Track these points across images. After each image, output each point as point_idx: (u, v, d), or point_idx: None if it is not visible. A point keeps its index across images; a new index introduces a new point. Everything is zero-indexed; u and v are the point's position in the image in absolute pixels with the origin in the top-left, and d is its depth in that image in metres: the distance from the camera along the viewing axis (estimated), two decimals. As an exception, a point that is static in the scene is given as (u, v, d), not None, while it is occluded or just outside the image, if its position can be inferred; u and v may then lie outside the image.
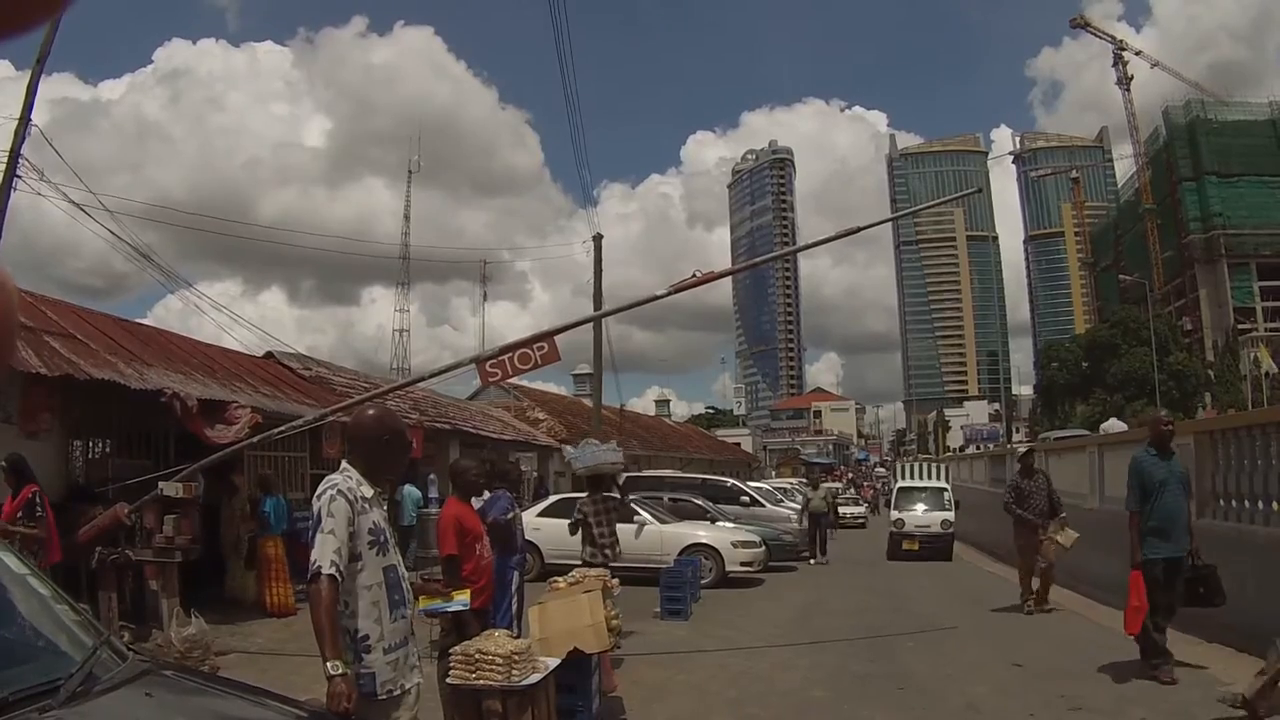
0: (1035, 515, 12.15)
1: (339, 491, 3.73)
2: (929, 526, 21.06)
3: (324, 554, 3.61)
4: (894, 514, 22.11)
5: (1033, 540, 12.09)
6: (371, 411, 4.26)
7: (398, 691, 3.73)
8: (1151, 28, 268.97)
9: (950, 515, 21.28)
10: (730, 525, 17.80)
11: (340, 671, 3.45)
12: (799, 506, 22.83)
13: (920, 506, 21.79)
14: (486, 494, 7.80)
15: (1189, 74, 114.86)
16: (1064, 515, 12.19)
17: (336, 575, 3.59)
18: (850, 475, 65.81)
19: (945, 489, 22.87)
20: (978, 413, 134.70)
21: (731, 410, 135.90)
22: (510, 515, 7.71)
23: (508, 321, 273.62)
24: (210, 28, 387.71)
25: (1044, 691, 7.56)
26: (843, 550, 22.99)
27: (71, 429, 12.01)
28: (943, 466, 28.78)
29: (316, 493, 3.88)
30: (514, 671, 5.07)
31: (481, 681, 5.07)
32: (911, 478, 26.32)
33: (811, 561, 20.51)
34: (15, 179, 11.64)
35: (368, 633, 3.68)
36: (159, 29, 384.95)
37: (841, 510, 32.28)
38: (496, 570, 7.81)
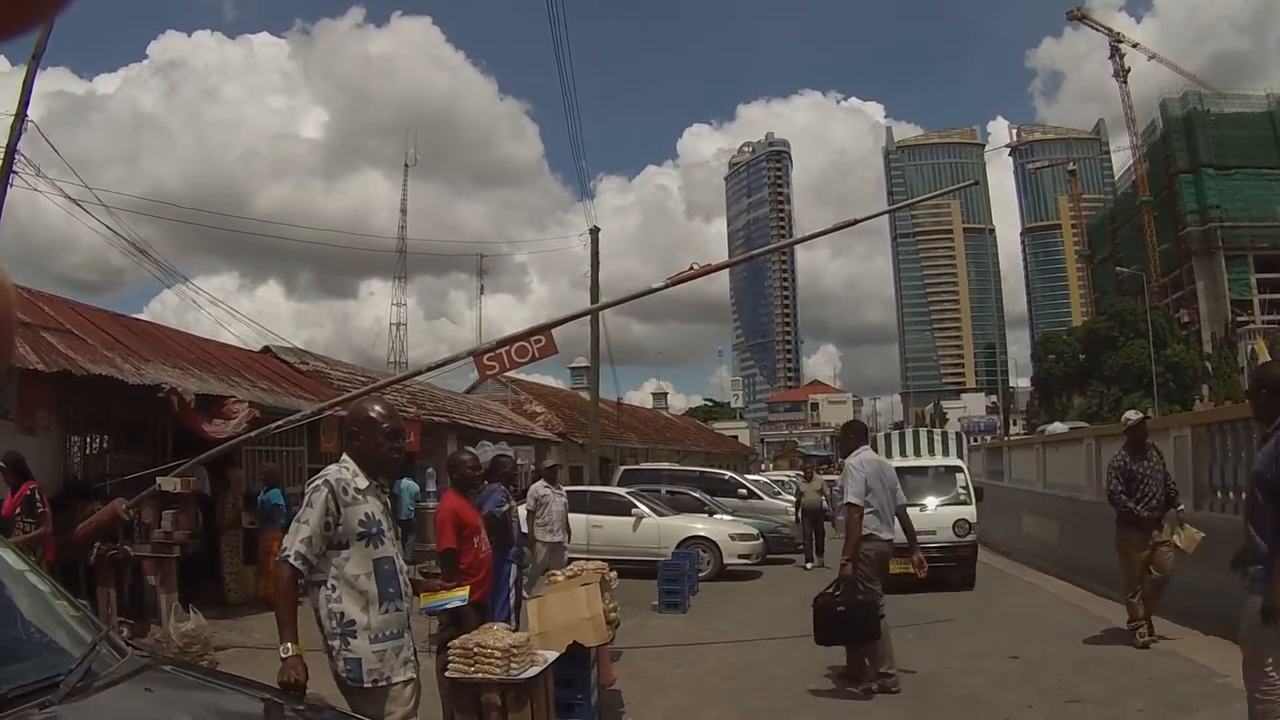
0: (1150, 509, 8.92)
1: (325, 482, 3.83)
2: (934, 534, 13.02)
3: (292, 541, 3.76)
4: (871, 514, 14.73)
5: (1143, 544, 8.89)
6: (365, 405, 4.29)
7: (384, 683, 3.77)
8: (1152, 18, 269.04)
9: (969, 512, 13.89)
10: (728, 518, 17.82)
11: (291, 653, 3.57)
12: (793, 500, 20.66)
13: (918, 500, 13.81)
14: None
15: (1190, 65, 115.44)
16: (1182, 508, 9.16)
17: (298, 565, 3.72)
18: None
19: (958, 469, 15.11)
20: (975, 405, 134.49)
21: (729, 403, 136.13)
22: (505, 509, 7.73)
23: (505, 314, 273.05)
24: (205, 20, 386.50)
25: (1042, 683, 7.58)
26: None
27: (69, 425, 11.99)
28: (950, 436, 18.15)
29: (308, 480, 3.97)
30: (512, 665, 5.07)
31: (480, 675, 5.08)
32: (901, 454, 16.85)
33: (808, 565, 17.75)
34: (12, 174, 11.61)
35: (353, 619, 3.76)
36: (154, 22, 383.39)
37: None
38: (493, 564, 7.85)
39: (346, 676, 3.74)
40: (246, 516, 12.91)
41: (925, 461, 16.40)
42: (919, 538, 11.62)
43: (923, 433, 18.54)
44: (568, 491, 15.69)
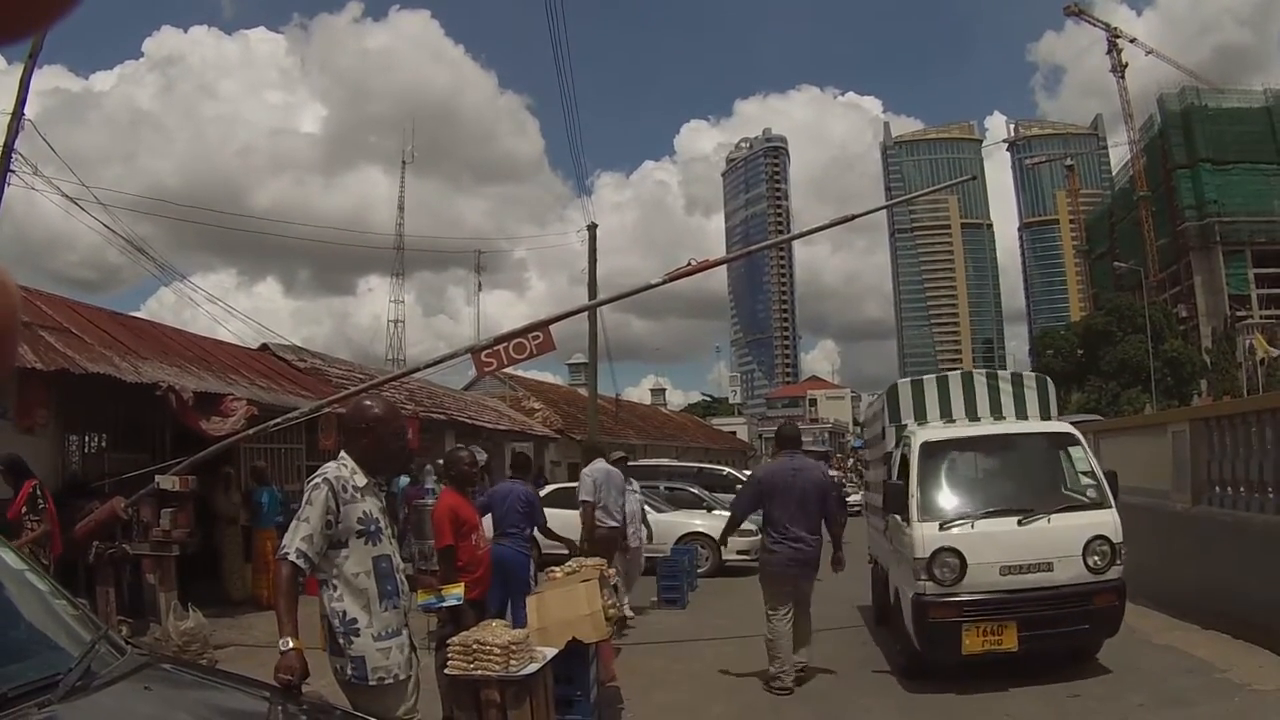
0: None
1: (325, 480, 3.82)
2: (1048, 568, 7.38)
3: (292, 540, 3.75)
4: (915, 530, 7.62)
5: None
6: (367, 403, 4.29)
7: (390, 680, 3.78)
8: (1153, 11, 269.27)
9: (1109, 523, 7.54)
10: (726, 514, 17.79)
11: (290, 647, 3.54)
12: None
13: (1002, 497, 8.06)
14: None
15: (1192, 58, 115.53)
16: None
17: (298, 562, 3.71)
18: (852, 460, 65.52)
19: (1069, 438, 8.54)
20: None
21: (727, 399, 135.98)
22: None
23: (504, 310, 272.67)
24: (202, 15, 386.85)
25: (1043, 679, 7.58)
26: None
27: (67, 423, 11.98)
28: (1026, 382, 9.32)
29: (307, 478, 3.97)
30: (511, 661, 5.08)
31: (479, 672, 5.09)
32: (944, 415, 9.21)
33: None
34: (9, 173, 11.59)
35: (356, 617, 3.76)
36: (150, 18, 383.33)
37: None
38: (515, 560, 7.93)
39: (352, 675, 3.74)
40: (244, 514, 12.91)
41: (998, 427, 8.79)
42: (1019, 573, 7.27)
43: (980, 379, 9.36)
44: (565, 490, 15.57)
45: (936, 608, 7.33)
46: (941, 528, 7.45)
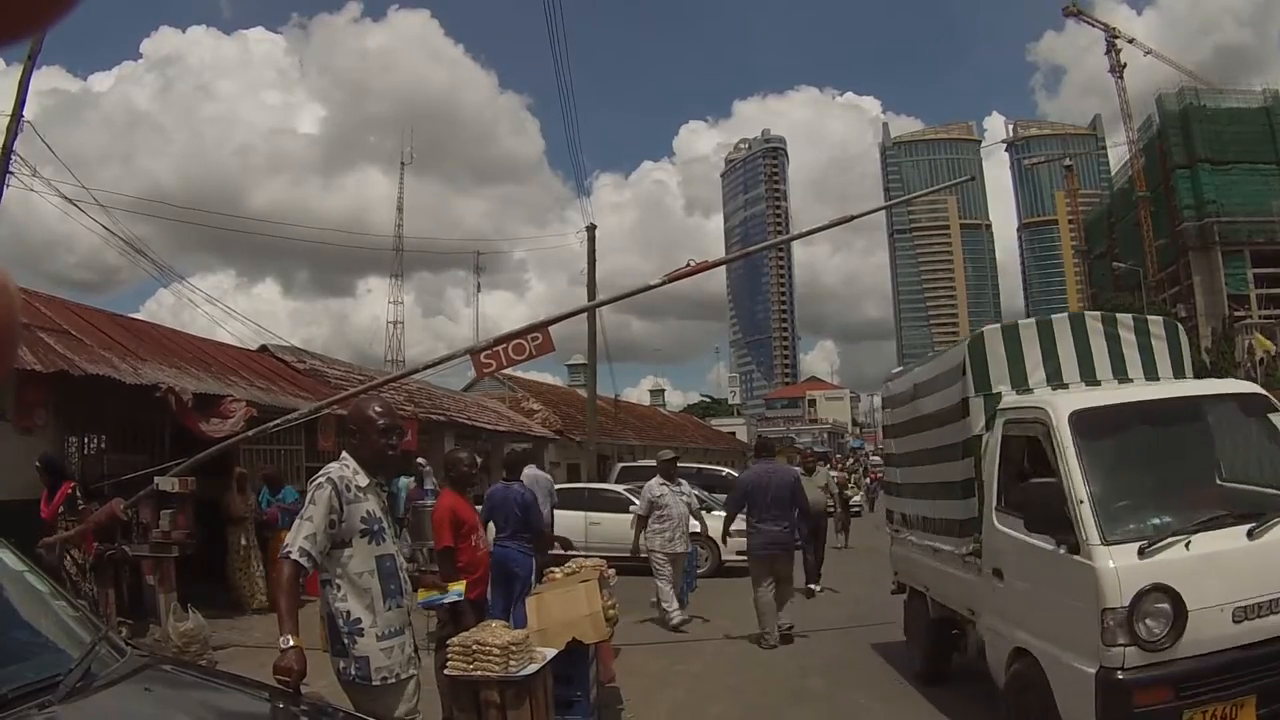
0: None
1: (328, 479, 3.83)
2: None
3: (295, 539, 3.75)
4: (1100, 560, 4.60)
5: None
6: (364, 403, 4.31)
7: (393, 680, 3.78)
8: (1153, 11, 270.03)
9: None
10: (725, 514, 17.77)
11: (290, 645, 3.51)
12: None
13: (1204, 496, 5.32)
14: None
15: (1193, 58, 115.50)
16: None
17: (301, 561, 3.71)
18: (851, 460, 65.40)
19: (1261, 401, 5.73)
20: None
21: (726, 399, 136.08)
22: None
23: (503, 311, 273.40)
24: (201, 15, 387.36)
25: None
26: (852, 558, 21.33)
27: (66, 425, 11.97)
28: (1155, 331, 6.68)
29: (311, 478, 3.98)
30: (511, 662, 5.09)
31: (479, 672, 5.09)
32: (1052, 377, 6.30)
33: (812, 588, 14.07)
34: (8, 174, 11.60)
35: (360, 617, 3.76)
36: (148, 19, 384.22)
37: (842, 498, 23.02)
38: (517, 562, 7.91)
39: (356, 675, 3.74)
40: (276, 516, 12.77)
41: (1164, 389, 6.13)
42: (1257, 617, 4.52)
43: (1095, 325, 6.56)
44: (564, 490, 15.48)
45: (1145, 688, 4.46)
46: (1141, 554, 4.61)
